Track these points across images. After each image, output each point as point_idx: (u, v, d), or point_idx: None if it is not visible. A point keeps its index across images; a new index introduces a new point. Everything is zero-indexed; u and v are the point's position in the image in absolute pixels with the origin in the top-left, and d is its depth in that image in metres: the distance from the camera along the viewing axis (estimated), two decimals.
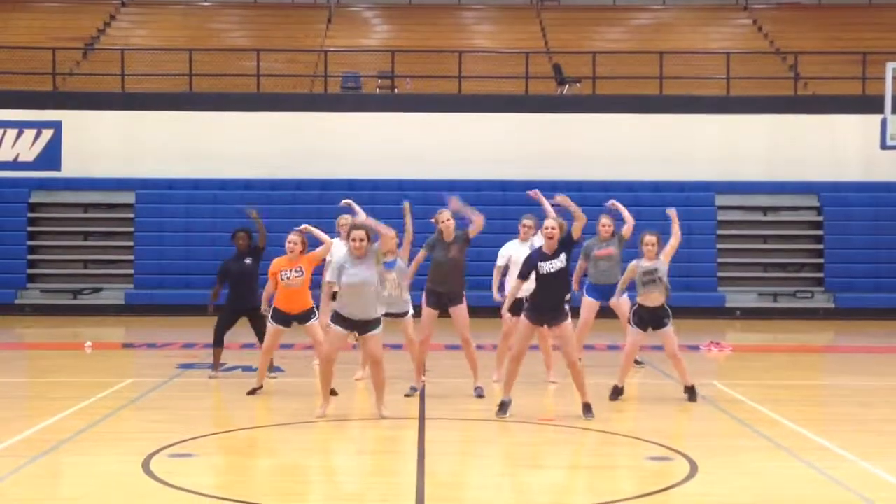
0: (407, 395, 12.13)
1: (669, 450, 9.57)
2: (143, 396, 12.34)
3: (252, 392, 12.25)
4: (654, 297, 11.83)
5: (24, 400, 12.87)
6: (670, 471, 8.85)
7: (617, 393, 12.07)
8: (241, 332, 13.96)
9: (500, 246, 12.92)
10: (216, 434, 10.32)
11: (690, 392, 12.04)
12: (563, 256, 10.85)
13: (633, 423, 11.27)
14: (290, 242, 12.24)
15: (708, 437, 10.37)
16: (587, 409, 11.01)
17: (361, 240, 10.69)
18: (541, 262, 10.87)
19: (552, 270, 10.83)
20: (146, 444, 9.49)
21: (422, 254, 12.34)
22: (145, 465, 8.80)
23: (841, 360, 17.62)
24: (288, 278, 12.18)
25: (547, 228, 10.90)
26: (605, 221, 14.02)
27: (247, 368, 13.71)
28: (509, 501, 8.07)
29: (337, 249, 13.14)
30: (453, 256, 12.05)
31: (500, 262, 12.89)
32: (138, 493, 8.07)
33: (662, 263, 11.89)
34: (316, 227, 12.53)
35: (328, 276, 11.27)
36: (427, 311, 12.22)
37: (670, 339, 11.93)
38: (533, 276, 10.94)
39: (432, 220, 12.22)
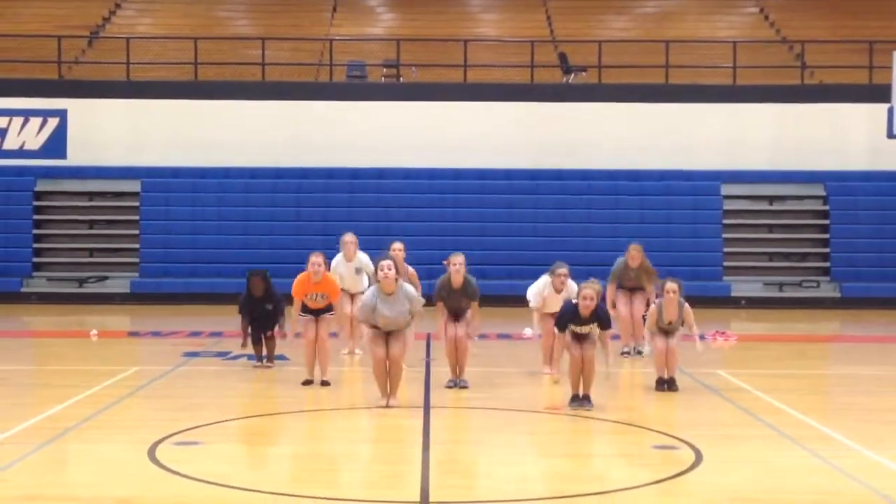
0: (447, 387, 12.09)
1: (674, 438, 9.57)
2: (149, 384, 12.36)
3: (307, 383, 12.26)
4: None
5: (30, 388, 12.90)
6: (675, 459, 8.86)
7: (662, 383, 12.13)
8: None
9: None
10: (222, 422, 10.32)
11: (658, 383, 12.11)
12: (594, 325, 11.00)
13: (639, 411, 11.30)
14: (314, 265, 12.31)
15: (713, 426, 10.38)
16: (586, 398, 11.04)
17: (390, 268, 10.78)
18: (573, 323, 11.02)
19: (582, 332, 11.05)
20: (152, 432, 9.51)
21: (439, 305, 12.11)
22: (151, 453, 8.81)
23: (846, 349, 17.60)
24: (314, 299, 12.42)
25: (586, 299, 10.91)
26: (635, 253, 14.44)
27: (251, 357, 13.71)
28: (514, 489, 8.07)
29: (340, 268, 14.07)
30: (463, 306, 12.05)
31: (535, 303, 12.81)
32: (144, 481, 8.08)
33: (684, 314, 12.14)
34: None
35: (359, 315, 11.24)
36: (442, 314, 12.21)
37: (675, 336, 12.23)
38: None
39: (444, 262, 12.15)
